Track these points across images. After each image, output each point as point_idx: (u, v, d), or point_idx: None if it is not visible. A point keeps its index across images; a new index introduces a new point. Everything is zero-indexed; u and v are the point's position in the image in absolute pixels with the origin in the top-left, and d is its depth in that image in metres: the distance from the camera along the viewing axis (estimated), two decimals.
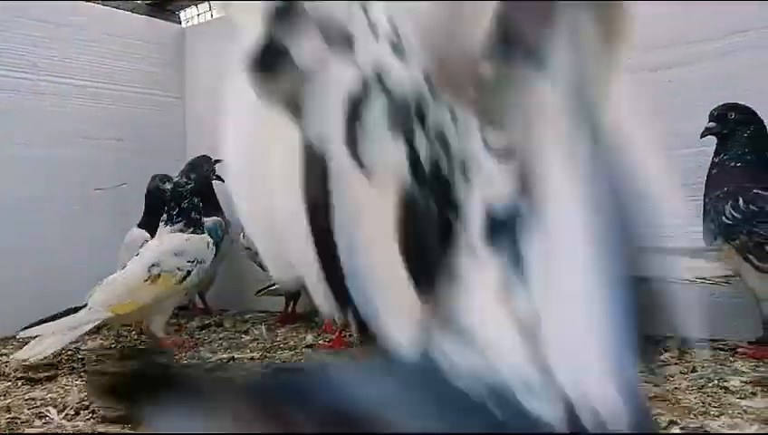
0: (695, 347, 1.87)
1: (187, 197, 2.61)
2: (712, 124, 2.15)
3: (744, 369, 1.96)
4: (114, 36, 3.45)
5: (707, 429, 1.48)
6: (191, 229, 2.58)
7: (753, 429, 1.47)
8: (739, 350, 2.13)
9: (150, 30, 3.68)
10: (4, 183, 2.97)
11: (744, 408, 1.62)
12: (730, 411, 1.60)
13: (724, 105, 2.14)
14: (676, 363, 2.05)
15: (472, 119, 0.63)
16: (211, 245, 2.60)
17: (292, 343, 2.63)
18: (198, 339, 2.74)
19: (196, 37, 3.80)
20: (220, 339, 2.75)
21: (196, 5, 3.87)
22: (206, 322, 3.08)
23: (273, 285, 2.94)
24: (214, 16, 3.82)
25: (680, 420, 1.53)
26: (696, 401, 1.67)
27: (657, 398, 1.71)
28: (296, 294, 3.01)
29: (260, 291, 3.01)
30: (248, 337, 2.79)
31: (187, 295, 2.86)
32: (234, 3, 0.80)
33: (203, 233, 2.64)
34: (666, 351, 2.18)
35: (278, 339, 2.70)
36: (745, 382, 1.81)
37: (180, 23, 3.93)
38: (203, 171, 2.98)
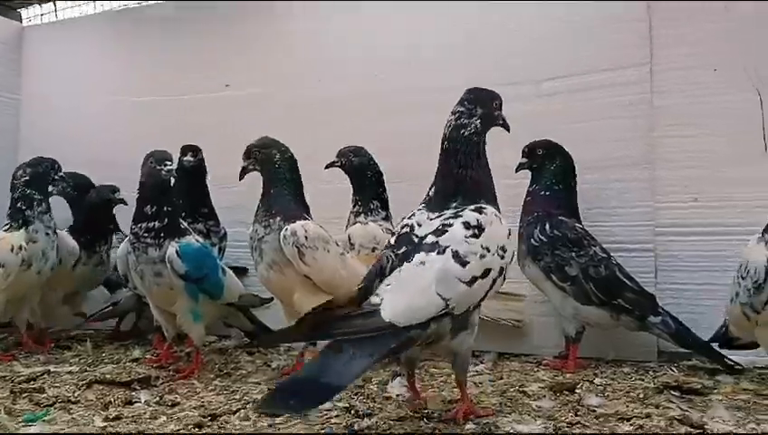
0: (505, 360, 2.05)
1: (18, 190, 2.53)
2: (524, 160, 2.38)
3: (544, 377, 2.14)
4: None
5: (497, 424, 1.61)
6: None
7: (538, 423, 1.62)
8: (543, 362, 2.33)
9: None
10: None
11: (535, 407, 1.78)
12: (521, 410, 1.75)
13: (532, 142, 2.38)
14: (488, 373, 2.21)
15: None
16: (16, 248, 2.46)
17: (116, 357, 2.53)
18: (13, 354, 2.56)
19: (37, 37, 3.63)
20: (39, 354, 2.59)
21: (40, 5, 3.68)
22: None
23: (108, 307, 2.88)
24: (58, 17, 3.66)
25: (475, 419, 1.65)
26: (494, 403, 1.81)
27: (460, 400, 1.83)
28: (125, 312, 2.93)
29: (92, 316, 2.90)
30: (71, 353, 2.65)
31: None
32: None
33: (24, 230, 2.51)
34: (481, 363, 2.34)
35: (103, 354, 2.58)
36: (542, 387, 1.99)
37: (21, 21, 3.72)
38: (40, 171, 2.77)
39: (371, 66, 2.87)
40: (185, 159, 2.78)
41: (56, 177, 2.68)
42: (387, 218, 2.50)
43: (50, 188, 2.64)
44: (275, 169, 2.18)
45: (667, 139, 2.44)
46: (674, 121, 2.44)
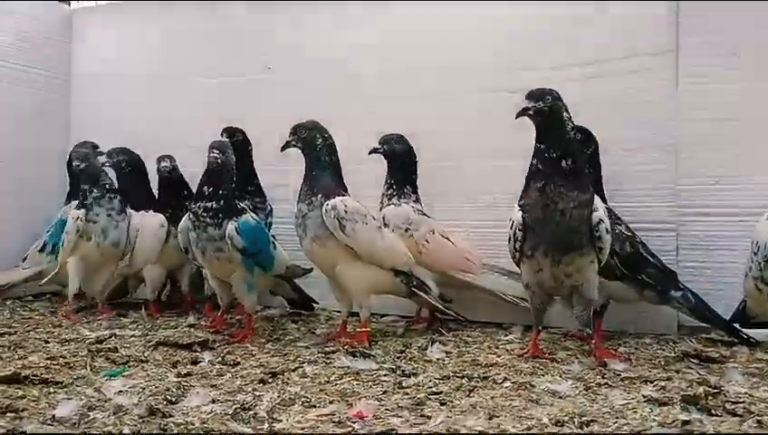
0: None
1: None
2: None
3: (571, 346, 2.31)
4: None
5: (532, 383, 1.78)
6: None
7: (569, 383, 1.79)
8: (569, 333, 2.50)
9: (37, 9, 3.67)
10: None
11: (565, 371, 1.96)
12: (552, 373, 1.93)
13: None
14: (517, 342, 2.39)
15: None
16: (76, 221, 2.83)
17: (172, 323, 2.74)
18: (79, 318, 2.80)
19: (85, 19, 3.80)
20: (99, 320, 2.81)
21: None
22: (82, 305, 3.08)
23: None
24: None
25: (512, 377, 1.83)
26: (527, 367, 1.99)
27: (497, 365, 2.01)
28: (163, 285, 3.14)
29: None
30: (127, 320, 2.85)
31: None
32: None
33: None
34: (511, 334, 2.52)
35: (158, 321, 2.79)
36: (569, 355, 2.16)
37: (69, 3, 3.89)
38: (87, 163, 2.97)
39: (412, 51, 3.01)
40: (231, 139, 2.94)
41: (100, 159, 2.95)
42: (417, 201, 2.67)
43: (101, 177, 2.91)
44: (317, 151, 2.39)
45: (691, 123, 2.57)
46: (697, 106, 2.56)
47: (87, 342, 2.34)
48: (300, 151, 2.43)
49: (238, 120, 3.02)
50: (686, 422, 1.45)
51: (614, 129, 2.60)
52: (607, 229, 2.04)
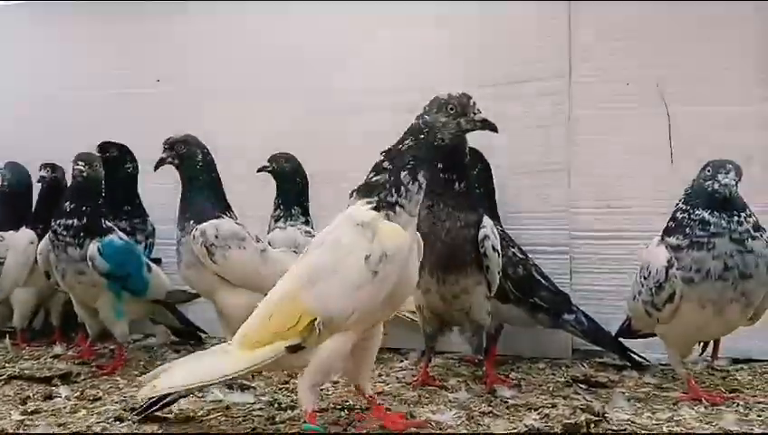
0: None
1: None
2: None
3: (464, 372, 2.24)
4: None
5: (413, 413, 1.68)
6: None
7: (452, 412, 1.70)
8: (465, 358, 2.43)
9: None
10: None
11: (452, 398, 1.87)
12: (438, 401, 1.84)
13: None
14: (411, 368, 2.29)
15: None
16: None
17: (37, 353, 2.49)
18: None
19: None
20: None
21: None
22: None
23: None
24: None
25: (395, 408, 1.73)
26: (413, 395, 1.89)
27: (383, 394, 1.90)
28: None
29: None
30: None
31: None
32: None
33: None
34: (406, 360, 2.42)
35: (22, 352, 2.53)
36: (459, 381, 2.08)
37: None
38: None
39: (300, 65, 2.91)
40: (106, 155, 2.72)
41: None
42: (307, 222, 2.54)
43: None
44: (196, 168, 2.18)
45: (583, 148, 2.58)
46: (590, 132, 2.58)
47: None
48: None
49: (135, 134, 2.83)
50: None
51: (509, 152, 2.57)
52: (493, 247, 1.98)
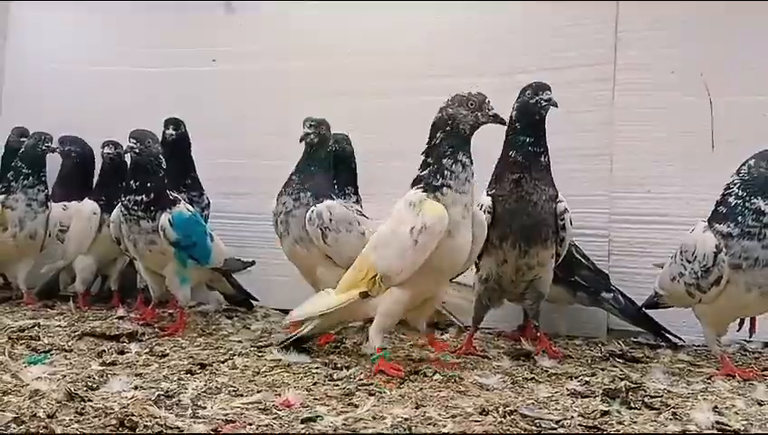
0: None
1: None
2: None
3: (503, 345, 2.34)
4: None
5: (461, 376, 1.80)
6: None
7: (497, 377, 1.81)
8: (502, 333, 2.53)
9: None
10: None
11: (495, 366, 1.98)
12: (482, 367, 1.95)
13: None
14: (452, 340, 2.40)
15: None
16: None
17: (101, 315, 2.65)
18: None
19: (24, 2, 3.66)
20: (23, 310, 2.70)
21: None
22: (6, 295, 2.97)
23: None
24: None
25: (442, 372, 1.84)
26: (458, 362, 2.01)
27: (428, 360, 2.02)
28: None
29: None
30: (54, 311, 2.76)
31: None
32: None
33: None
34: (446, 333, 2.53)
35: (86, 313, 2.70)
36: (501, 353, 2.19)
37: None
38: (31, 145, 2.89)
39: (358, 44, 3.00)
40: (167, 132, 2.87)
41: (45, 147, 2.85)
42: (358, 202, 2.65)
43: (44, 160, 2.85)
44: (326, 149, 2.39)
45: (626, 134, 2.65)
46: (632, 118, 2.65)
47: (8, 330, 2.25)
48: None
49: (185, 111, 2.97)
50: (604, 413, 1.49)
51: (552, 136, 2.64)
52: (571, 220, 2.15)
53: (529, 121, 2.12)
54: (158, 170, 2.37)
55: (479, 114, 1.87)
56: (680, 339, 2.40)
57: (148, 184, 2.33)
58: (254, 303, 2.88)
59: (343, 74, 2.99)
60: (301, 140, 2.38)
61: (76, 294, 2.87)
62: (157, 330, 2.39)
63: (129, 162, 2.43)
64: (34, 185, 2.80)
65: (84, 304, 2.83)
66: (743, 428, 1.43)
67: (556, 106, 2.11)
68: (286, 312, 2.60)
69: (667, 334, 2.39)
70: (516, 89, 2.51)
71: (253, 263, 2.67)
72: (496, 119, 1.90)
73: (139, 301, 2.83)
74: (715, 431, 1.41)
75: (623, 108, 2.66)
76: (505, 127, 2.06)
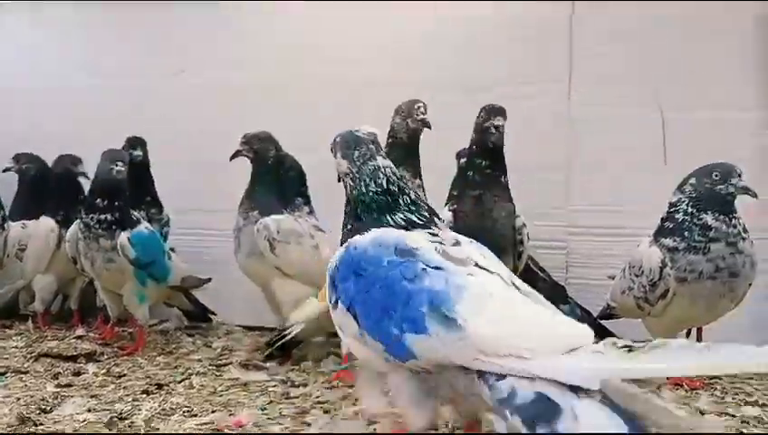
0: None
1: None
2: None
3: None
4: None
5: None
6: None
7: None
8: None
9: None
10: None
11: None
12: None
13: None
14: None
15: None
16: None
17: (60, 335, 2.63)
18: None
19: None
20: None
21: None
22: None
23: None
24: None
25: None
26: None
27: None
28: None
29: None
30: (13, 330, 2.72)
31: None
32: None
33: None
34: None
35: (45, 334, 2.67)
36: None
37: None
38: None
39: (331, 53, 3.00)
40: (134, 153, 2.83)
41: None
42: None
43: None
44: (267, 163, 2.38)
45: (582, 148, 2.71)
46: (588, 132, 2.71)
47: None
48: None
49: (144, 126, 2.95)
50: None
51: (511, 150, 2.68)
52: (528, 235, 2.22)
53: (485, 146, 2.15)
54: (125, 191, 2.37)
55: (409, 121, 1.98)
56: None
57: (116, 203, 2.32)
58: (216, 320, 2.86)
59: (305, 87, 2.99)
60: (231, 158, 2.40)
61: (35, 314, 2.84)
62: (116, 349, 2.38)
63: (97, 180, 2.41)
64: None
65: (44, 323, 2.79)
66: None
67: (429, 127, 2.11)
68: (249, 328, 2.66)
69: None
70: (474, 104, 2.58)
71: (209, 280, 2.66)
72: (424, 123, 1.98)
73: (100, 320, 2.80)
74: None
75: (580, 121, 2.72)
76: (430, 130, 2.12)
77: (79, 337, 2.56)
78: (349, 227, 1.37)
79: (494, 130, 2.12)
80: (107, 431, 1.45)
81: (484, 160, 2.14)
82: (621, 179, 2.68)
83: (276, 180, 2.42)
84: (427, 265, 1.17)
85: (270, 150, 2.41)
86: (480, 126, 2.16)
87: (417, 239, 1.24)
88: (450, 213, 2.19)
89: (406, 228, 1.30)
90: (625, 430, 0.93)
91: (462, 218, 2.14)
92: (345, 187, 1.42)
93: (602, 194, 2.70)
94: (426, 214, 1.36)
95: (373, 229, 1.29)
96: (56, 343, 2.40)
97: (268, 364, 2.15)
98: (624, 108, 2.69)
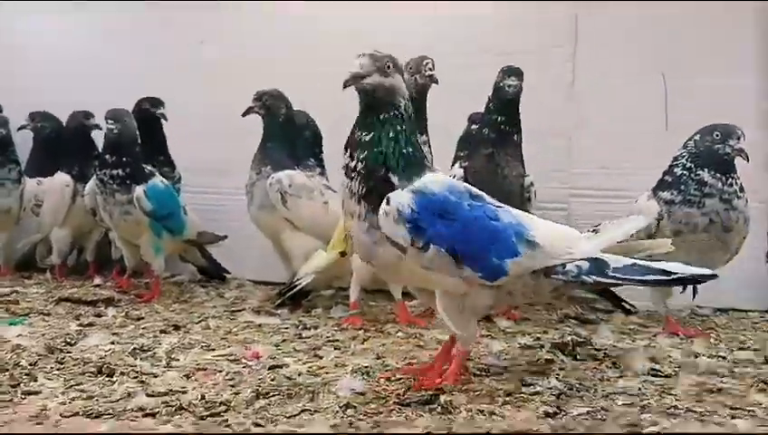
0: None
1: None
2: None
3: None
4: None
5: (421, 333, 1.91)
6: None
7: None
8: None
9: None
10: None
11: None
12: (442, 326, 2.06)
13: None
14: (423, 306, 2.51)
15: None
16: None
17: (78, 284, 2.72)
18: None
19: None
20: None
21: None
22: None
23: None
24: None
25: (405, 330, 1.95)
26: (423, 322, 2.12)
27: (394, 321, 2.13)
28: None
29: None
30: (31, 281, 2.82)
31: None
32: None
33: None
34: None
35: (63, 283, 2.76)
36: None
37: None
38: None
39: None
40: (157, 111, 2.87)
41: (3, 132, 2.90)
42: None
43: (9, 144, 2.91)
44: (277, 121, 2.45)
45: (585, 113, 2.78)
46: (591, 98, 2.77)
47: None
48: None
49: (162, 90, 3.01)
50: (549, 361, 1.62)
51: None
52: (535, 193, 2.32)
53: (501, 102, 2.25)
54: (133, 146, 2.45)
55: (417, 77, 2.05)
56: (633, 306, 2.53)
57: (124, 159, 2.40)
58: (226, 275, 2.96)
59: (321, 57, 3.02)
60: (243, 114, 2.48)
61: (53, 266, 2.94)
62: (133, 297, 2.47)
63: (104, 139, 2.49)
64: (5, 165, 2.87)
65: (61, 274, 2.89)
66: (674, 373, 1.56)
67: (437, 83, 2.17)
68: (259, 283, 2.75)
69: (621, 301, 2.53)
70: (481, 67, 2.64)
71: (225, 237, 2.75)
72: (432, 79, 2.06)
73: (115, 272, 2.90)
74: (649, 376, 1.54)
75: (582, 88, 2.78)
76: (437, 86, 2.17)
77: (96, 286, 2.65)
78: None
79: (508, 88, 2.22)
80: (132, 359, 1.54)
81: (500, 116, 2.24)
82: (623, 144, 2.74)
83: (288, 137, 2.50)
84: (493, 205, 1.46)
85: (281, 108, 2.49)
86: (497, 84, 2.26)
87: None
88: (461, 170, 2.28)
89: None
90: (620, 264, 1.48)
91: (473, 175, 2.22)
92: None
93: (604, 157, 2.77)
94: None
95: (425, 175, 1.41)
96: (75, 290, 2.49)
97: (279, 311, 2.24)
98: (627, 75, 2.75)
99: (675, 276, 1.47)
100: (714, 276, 1.52)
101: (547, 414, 1.23)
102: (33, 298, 2.36)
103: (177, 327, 1.99)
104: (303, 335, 1.91)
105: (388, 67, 1.38)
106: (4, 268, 2.93)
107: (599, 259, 1.47)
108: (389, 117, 1.38)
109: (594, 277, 1.46)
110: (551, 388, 1.38)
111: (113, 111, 2.45)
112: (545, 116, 2.77)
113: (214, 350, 1.71)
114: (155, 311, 2.26)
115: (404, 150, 1.37)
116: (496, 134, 2.24)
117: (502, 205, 1.48)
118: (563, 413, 1.24)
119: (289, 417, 1.20)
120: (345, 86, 1.38)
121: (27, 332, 1.82)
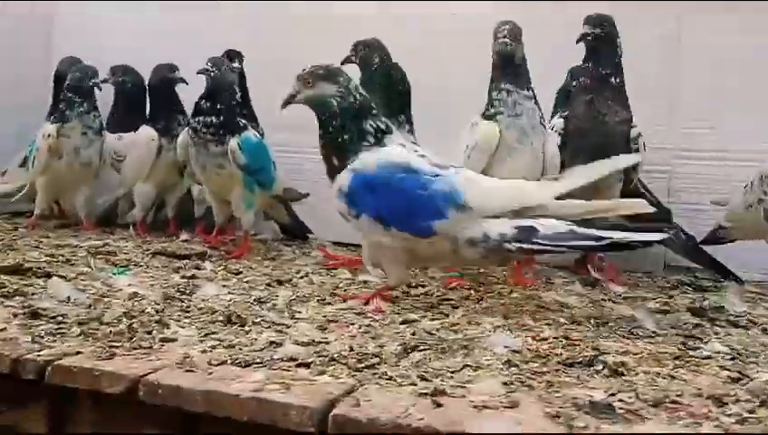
0: None
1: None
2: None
3: (564, 276, 2.36)
4: None
5: (539, 295, 1.82)
6: None
7: (573, 298, 1.84)
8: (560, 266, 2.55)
9: None
10: None
11: (567, 290, 2.00)
12: (557, 290, 1.97)
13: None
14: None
15: None
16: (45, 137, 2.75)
17: (164, 240, 2.69)
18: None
19: None
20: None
21: None
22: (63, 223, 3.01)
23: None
24: None
25: (518, 291, 1.86)
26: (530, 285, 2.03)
27: (501, 282, 2.05)
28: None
29: None
30: (115, 236, 2.80)
31: None
32: None
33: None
34: None
35: (148, 238, 2.73)
36: (566, 282, 2.20)
37: None
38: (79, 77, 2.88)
39: None
40: (233, 65, 2.84)
41: (92, 83, 2.84)
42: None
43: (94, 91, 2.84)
44: (371, 71, 2.30)
45: (691, 72, 2.62)
46: (698, 56, 2.61)
47: (82, 248, 2.30)
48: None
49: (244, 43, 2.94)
50: (697, 325, 1.51)
51: None
52: (644, 144, 2.20)
53: (586, 47, 2.20)
54: (229, 95, 2.38)
55: (495, 42, 2.07)
56: (739, 278, 2.39)
57: (219, 106, 2.33)
58: (309, 236, 2.90)
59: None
60: (342, 64, 2.29)
61: (134, 223, 2.92)
62: (222, 253, 2.43)
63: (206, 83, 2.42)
64: (90, 111, 2.81)
65: (143, 230, 2.87)
66: None
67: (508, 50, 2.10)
68: (342, 244, 2.68)
69: (729, 272, 2.39)
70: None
71: (307, 194, 2.69)
72: (507, 45, 2.07)
73: (198, 229, 2.86)
74: None
75: (688, 46, 2.62)
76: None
77: (185, 241, 2.62)
78: None
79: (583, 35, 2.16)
80: (258, 308, 1.49)
81: (589, 62, 2.18)
82: (728, 102, 2.59)
83: (378, 90, 2.36)
84: (430, 175, 1.61)
85: (374, 58, 2.33)
86: (583, 36, 2.18)
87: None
88: (561, 120, 2.23)
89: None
90: (550, 231, 1.55)
91: (572, 123, 2.19)
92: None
93: (708, 116, 2.62)
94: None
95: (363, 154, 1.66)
96: (166, 244, 2.46)
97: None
98: (735, 32, 2.58)
99: (605, 242, 1.51)
100: (649, 244, 1.63)
101: (731, 379, 1.13)
102: (128, 251, 2.32)
103: (280, 282, 1.93)
104: (412, 293, 1.83)
105: (309, 82, 1.70)
106: (87, 223, 2.92)
107: (531, 227, 1.54)
108: (326, 118, 1.70)
109: (517, 244, 1.53)
110: (718, 352, 1.28)
111: (213, 58, 2.40)
112: (649, 74, 2.63)
113: (331, 304, 1.65)
114: (250, 266, 2.20)
115: (339, 139, 1.68)
116: (591, 80, 2.18)
117: (443, 174, 1.61)
118: (747, 378, 1.14)
119: (453, 372, 1.13)
120: (282, 107, 1.76)
121: (137, 281, 1.79)
